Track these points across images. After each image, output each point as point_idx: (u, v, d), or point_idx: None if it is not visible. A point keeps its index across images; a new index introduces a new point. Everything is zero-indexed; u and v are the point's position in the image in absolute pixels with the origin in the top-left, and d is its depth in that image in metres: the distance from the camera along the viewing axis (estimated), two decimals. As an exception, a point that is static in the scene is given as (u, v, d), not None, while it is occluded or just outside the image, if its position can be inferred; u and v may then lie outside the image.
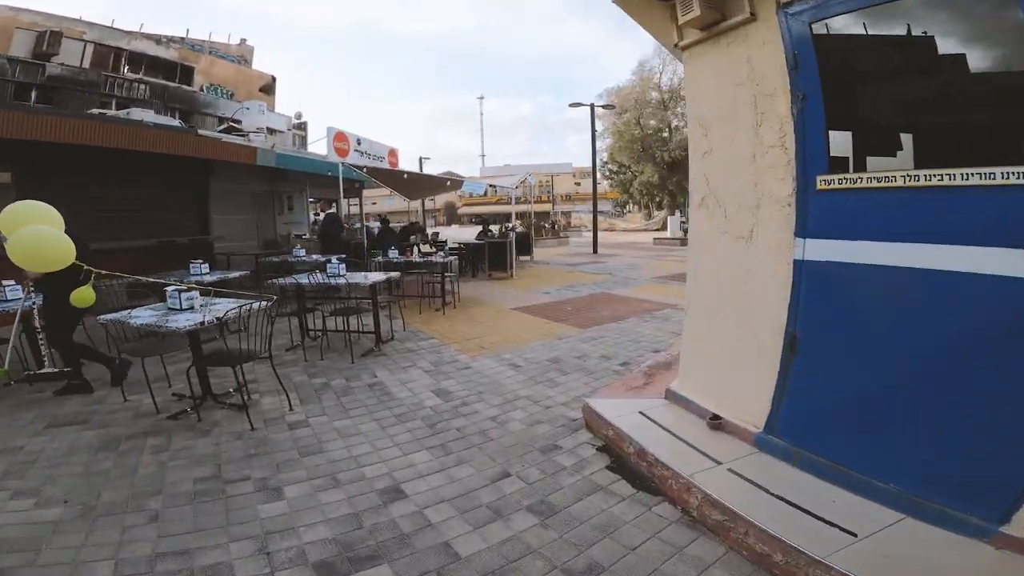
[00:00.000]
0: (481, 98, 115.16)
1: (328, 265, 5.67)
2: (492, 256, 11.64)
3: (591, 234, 34.28)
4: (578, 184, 76.82)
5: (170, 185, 10.63)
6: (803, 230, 2.61)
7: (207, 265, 6.27)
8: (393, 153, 19.43)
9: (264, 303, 3.85)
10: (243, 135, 14.31)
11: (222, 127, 16.51)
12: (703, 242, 3.31)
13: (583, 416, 3.80)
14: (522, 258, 15.76)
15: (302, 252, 8.79)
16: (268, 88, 35.25)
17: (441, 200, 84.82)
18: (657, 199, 51.41)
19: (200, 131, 11.98)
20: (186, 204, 11.23)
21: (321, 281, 5.33)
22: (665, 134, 42.33)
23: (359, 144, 13.94)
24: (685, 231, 25.54)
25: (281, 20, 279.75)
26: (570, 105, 19.14)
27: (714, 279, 3.22)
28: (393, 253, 8.03)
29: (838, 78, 2.52)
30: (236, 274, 6.45)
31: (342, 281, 5.40)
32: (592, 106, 19.03)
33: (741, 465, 2.81)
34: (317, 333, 6.06)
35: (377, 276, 5.89)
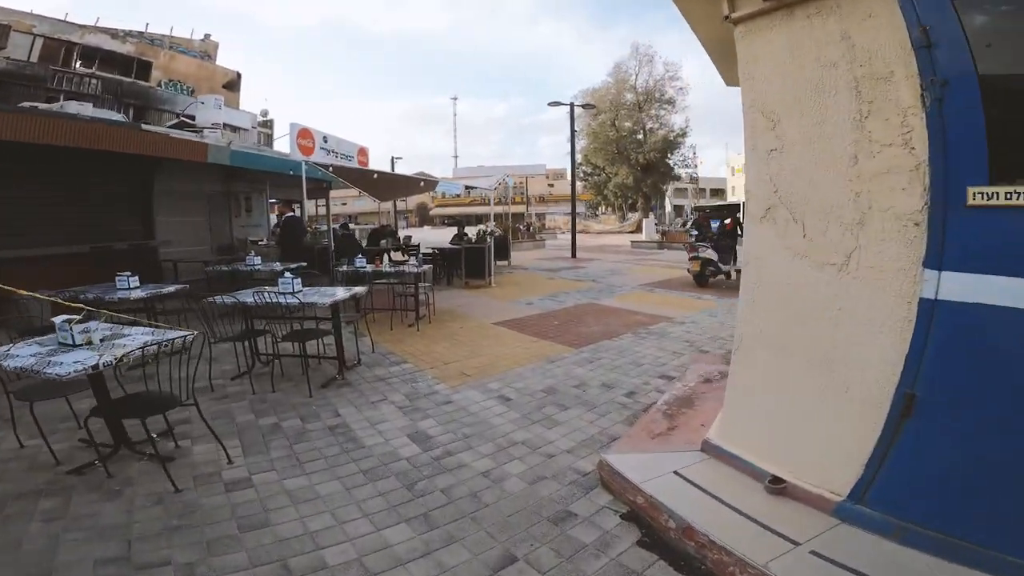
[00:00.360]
0: (455, 99, 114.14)
1: (280, 280, 4.75)
2: (469, 262, 10.83)
3: (567, 236, 33.77)
4: (551, 186, 76.47)
5: (109, 184, 9.46)
6: (938, 259, 1.94)
7: (136, 278, 5.27)
8: (363, 152, 18.40)
9: (188, 337, 2.97)
10: (197, 131, 13.14)
11: (173, 123, 15.22)
12: (766, 265, 2.59)
13: (600, 474, 3.04)
14: (499, 263, 14.99)
15: (257, 260, 7.81)
16: (232, 84, 34.11)
17: (413, 201, 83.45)
18: (631, 201, 51.38)
19: (144, 125, 10.81)
20: (127, 206, 10.06)
21: (270, 300, 4.41)
22: (640, 136, 42.20)
23: (325, 142, 13.02)
24: (662, 233, 25.13)
25: (254, 19, 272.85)
26: (549, 104, 18.50)
27: (781, 312, 2.50)
28: (360, 262, 7.14)
29: (1003, 57, 1.83)
30: (172, 288, 5.45)
31: (294, 301, 4.49)
32: (572, 105, 18.42)
33: (826, 544, 2.11)
34: (269, 357, 5.15)
35: (339, 293, 5.00)
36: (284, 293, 4.61)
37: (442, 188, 10.69)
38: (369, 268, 7.14)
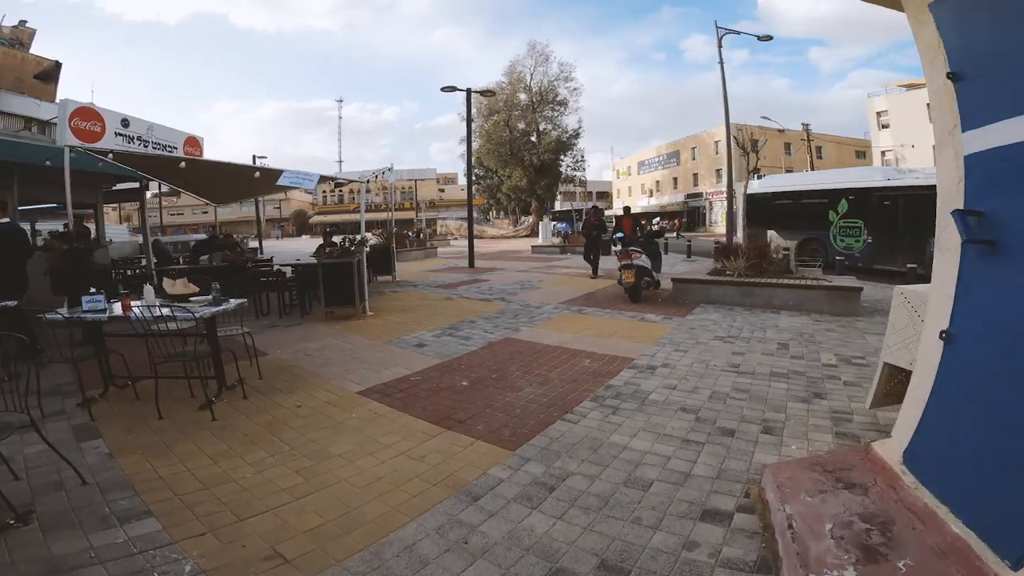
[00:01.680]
0: (340, 100, 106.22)
1: None
2: (330, 284, 7.62)
3: (460, 243, 31.06)
4: (442, 190, 73.36)
5: None
6: None
7: None
8: (193, 142, 14.23)
9: None
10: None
11: None
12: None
13: None
14: (381, 278, 11.82)
15: None
16: (47, 75, 28.48)
17: (291, 207, 75.79)
18: (524, 203, 49.98)
19: None
20: None
21: None
22: (533, 137, 40.74)
23: (126, 126, 9.28)
24: (562, 235, 23.36)
25: (106, 13, 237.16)
26: (443, 89, 15.62)
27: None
28: (92, 303, 3.74)
29: None
30: None
31: None
32: (469, 91, 15.74)
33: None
34: None
35: None
36: None
37: (289, 180, 7.38)
38: (103, 315, 3.79)
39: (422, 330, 6.85)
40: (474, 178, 51.54)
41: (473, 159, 46.71)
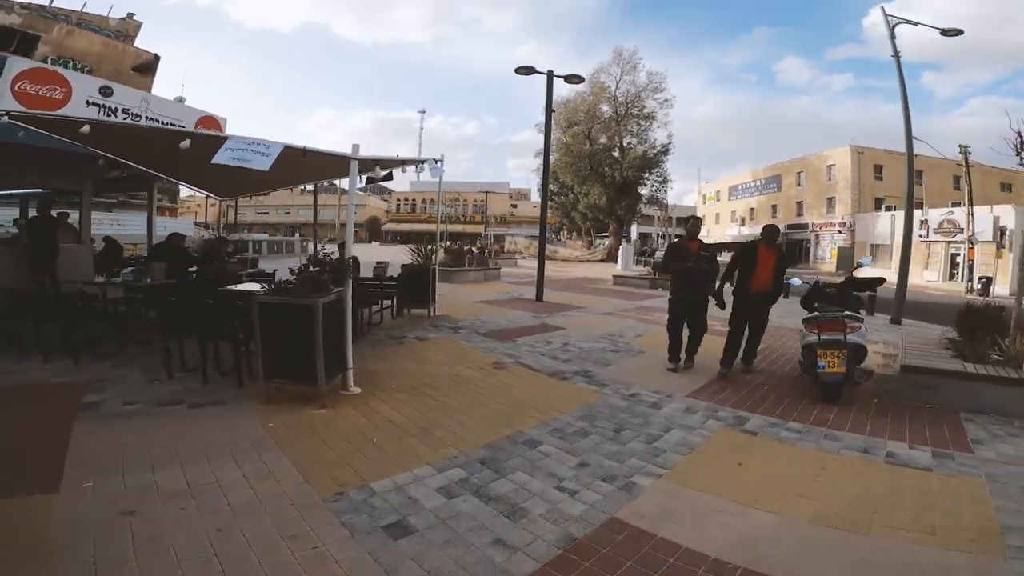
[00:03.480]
0: (423, 112, 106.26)
1: None
2: (279, 337, 4.11)
3: (529, 263, 27.43)
4: (514, 206, 70.56)
5: None
6: None
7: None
8: (210, 123, 11.69)
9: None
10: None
11: None
12: None
13: None
14: (416, 311, 8.39)
15: None
16: (146, 67, 29.00)
17: (366, 214, 75.75)
18: (600, 224, 45.79)
19: None
20: None
21: None
22: (616, 153, 36.75)
23: (107, 95, 7.15)
24: (651, 264, 18.95)
25: (230, 19, 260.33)
26: (518, 71, 12.17)
27: None
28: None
29: None
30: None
31: None
32: (550, 74, 12.22)
33: None
34: None
35: None
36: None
37: (230, 156, 4.08)
38: None
39: (426, 458, 3.20)
40: (548, 194, 47.98)
41: (549, 173, 43.33)
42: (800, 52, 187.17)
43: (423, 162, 7.46)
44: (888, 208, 34.07)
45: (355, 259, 4.59)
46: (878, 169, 37.90)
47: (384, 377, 4.91)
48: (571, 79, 13.13)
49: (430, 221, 72.16)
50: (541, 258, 11.74)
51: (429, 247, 8.72)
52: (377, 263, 7.69)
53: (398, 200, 73.06)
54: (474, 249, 24.47)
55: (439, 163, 7.87)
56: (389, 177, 8.60)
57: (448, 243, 21.46)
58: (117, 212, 24.84)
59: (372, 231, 72.89)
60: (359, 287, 6.93)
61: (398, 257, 10.38)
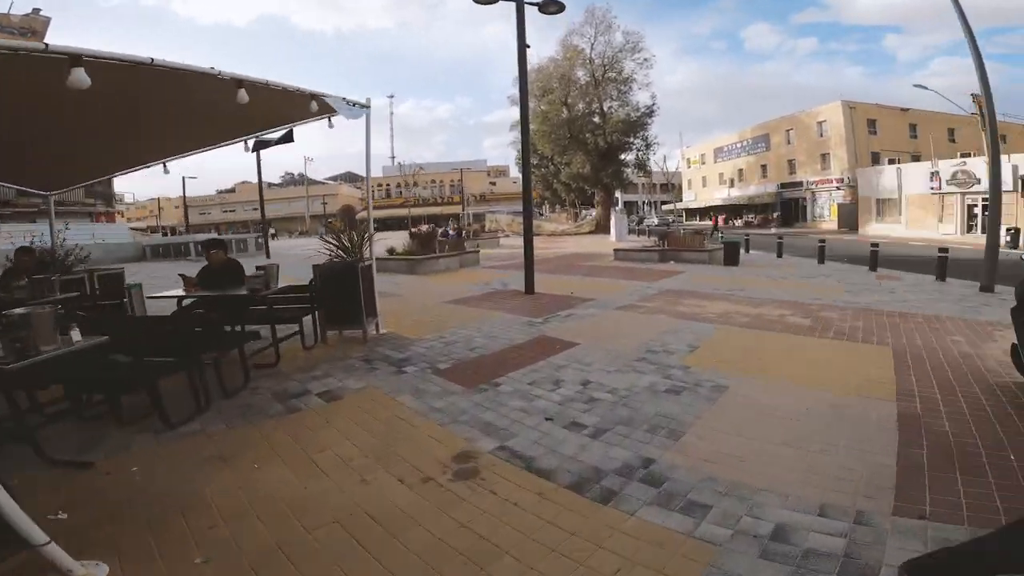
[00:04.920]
0: (391, 97, 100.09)
1: None
2: None
3: (513, 241, 24.39)
4: (493, 183, 66.85)
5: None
6: None
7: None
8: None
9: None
10: None
11: None
12: None
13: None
14: (349, 334, 5.45)
15: None
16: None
17: (339, 202, 71.37)
18: (585, 194, 42.69)
19: None
20: None
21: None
22: (597, 119, 33.46)
23: None
24: (661, 236, 15.87)
25: (180, 17, 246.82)
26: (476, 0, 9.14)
27: None
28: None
29: None
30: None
31: None
32: (520, 1, 9.13)
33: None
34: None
35: None
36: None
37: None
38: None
39: None
40: (530, 162, 44.35)
41: (529, 133, 39.51)
42: (766, 17, 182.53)
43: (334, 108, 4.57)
44: (891, 161, 31.52)
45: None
46: (871, 124, 35.33)
47: (177, 551, 2.02)
48: (547, 7, 9.99)
49: (406, 205, 68.28)
50: (528, 241, 8.79)
51: (354, 234, 5.73)
52: (257, 268, 4.70)
53: (372, 187, 69.06)
54: (450, 231, 21.40)
55: (356, 106, 4.97)
56: (288, 139, 5.71)
57: (424, 227, 18.31)
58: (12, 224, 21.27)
59: (348, 220, 68.80)
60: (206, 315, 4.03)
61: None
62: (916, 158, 31.97)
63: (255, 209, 76.35)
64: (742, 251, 13.43)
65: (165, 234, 42.95)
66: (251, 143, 5.62)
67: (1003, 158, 25.29)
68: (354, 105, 5.03)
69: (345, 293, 5.16)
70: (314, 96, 4.44)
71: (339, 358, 4.72)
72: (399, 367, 4.40)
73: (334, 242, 5.68)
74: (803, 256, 14.54)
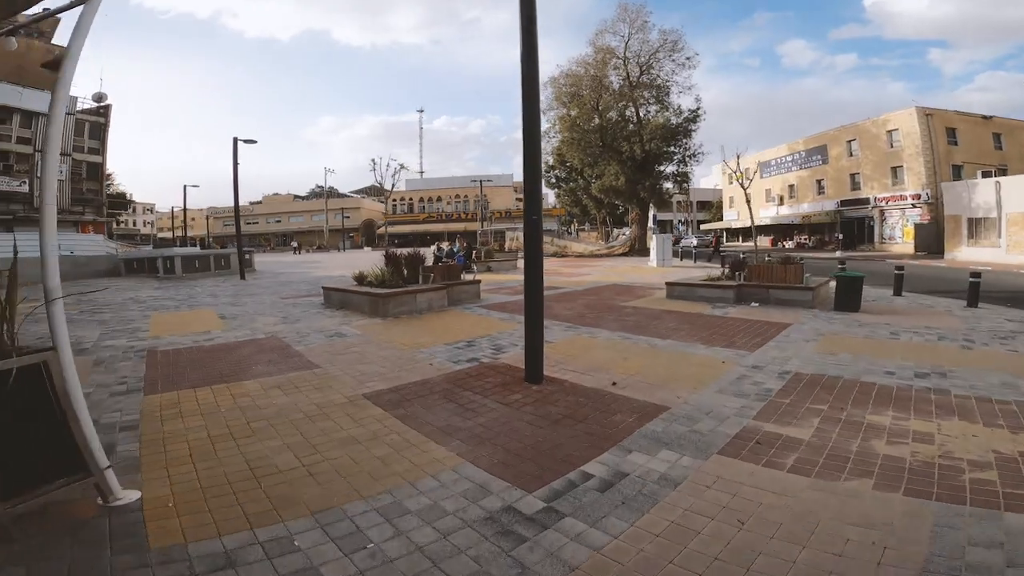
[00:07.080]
0: (421, 111, 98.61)
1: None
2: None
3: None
4: (520, 199, 63.49)
5: None
6: None
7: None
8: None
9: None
10: None
11: None
12: None
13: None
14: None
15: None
16: (57, 64, 23.52)
17: (360, 217, 69.08)
18: (616, 211, 38.50)
19: None
20: None
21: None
22: (632, 125, 29.54)
23: None
24: (732, 266, 11.78)
25: (229, 31, 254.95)
26: None
27: None
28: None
29: None
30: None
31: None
32: None
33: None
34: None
35: None
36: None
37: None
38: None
39: None
40: (553, 180, 40.62)
41: (552, 157, 36.04)
42: (802, 34, 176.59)
43: None
44: (986, 174, 26.48)
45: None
46: (950, 133, 30.39)
47: None
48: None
49: (429, 221, 65.08)
50: (534, 273, 4.90)
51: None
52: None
53: (394, 201, 66.49)
54: (455, 249, 17.26)
55: None
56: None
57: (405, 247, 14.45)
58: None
59: (368, 235, 66.30)
60: None
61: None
62: (1003, 171, 26.95)
63: (277, 221, 74.69)
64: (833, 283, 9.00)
65: (194, 244, 40.95)
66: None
67: None
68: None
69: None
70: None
71: None
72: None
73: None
74: (920, 292, 10.38)
